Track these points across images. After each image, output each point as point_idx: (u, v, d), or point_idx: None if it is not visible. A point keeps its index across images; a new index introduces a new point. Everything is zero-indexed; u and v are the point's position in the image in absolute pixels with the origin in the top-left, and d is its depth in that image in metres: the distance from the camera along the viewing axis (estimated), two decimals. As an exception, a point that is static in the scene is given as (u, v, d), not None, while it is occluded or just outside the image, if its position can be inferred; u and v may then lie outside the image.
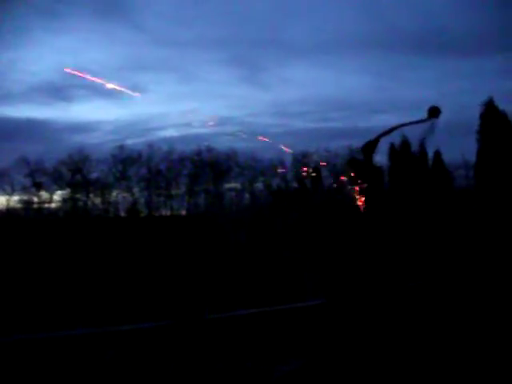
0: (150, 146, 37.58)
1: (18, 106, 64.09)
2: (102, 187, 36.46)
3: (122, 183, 36.68)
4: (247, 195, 38.19)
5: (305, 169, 35.84)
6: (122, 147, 35.92)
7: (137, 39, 68.21)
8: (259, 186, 39.40)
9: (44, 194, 36.19)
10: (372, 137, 9.84)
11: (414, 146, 32.67)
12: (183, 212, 37.67)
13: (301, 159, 38.12)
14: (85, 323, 14.19)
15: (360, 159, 10.27)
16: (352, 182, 10.18)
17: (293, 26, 66.43)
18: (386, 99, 63.50)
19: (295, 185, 37.33)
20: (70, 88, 59.34)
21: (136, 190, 37.01)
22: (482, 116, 31.77)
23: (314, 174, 31.60)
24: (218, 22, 66.47)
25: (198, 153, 38.28)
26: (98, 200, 37.13)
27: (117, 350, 7.05)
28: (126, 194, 36.95)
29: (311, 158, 38.00)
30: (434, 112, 9.48)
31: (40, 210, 36.07)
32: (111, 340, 7.35)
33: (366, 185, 10.01)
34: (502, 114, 31.04)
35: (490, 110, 31.54)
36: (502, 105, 31.82)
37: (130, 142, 46.60)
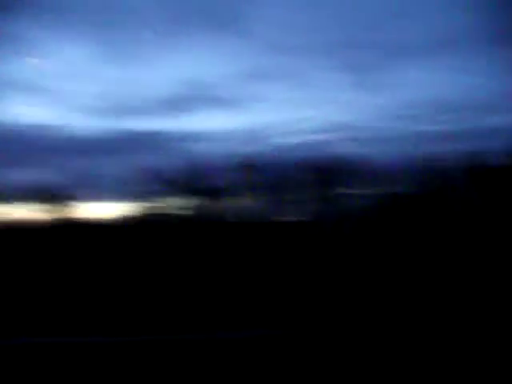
0: (269, 153, 37.73)
1: (140, 119, 68.11)
2: (224, 195, 37.04)
3: (243, 190, 37.04)
4: (370, 200, 37.16)
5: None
6: (241, 155, 36.33)
7: (250, 48, 69.70)
8: (377, 191, 38.17)
9: (167, 201, 37.55)
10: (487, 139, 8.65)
11: None
12: (305, 218, 37.39)
13: (424, 163, 36.33)
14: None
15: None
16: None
17: (403, 27, 64.51)
18: (498, 99, 59.56)
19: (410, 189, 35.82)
20: (188, 100, 62.23)
21: (257, 196, 37.23)
22: None
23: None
24: (328, 26, 65.83)
25: (315, 159, 37.85)
26: (219, 207, 37.81)
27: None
28: (247, 201, 37.28)
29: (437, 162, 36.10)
30: None
31: (163, 217, 37.40)
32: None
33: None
34: None
35: None
36: None
37: (249, 149, 47.52)
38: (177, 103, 66.20)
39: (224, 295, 22.54)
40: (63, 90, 66.50)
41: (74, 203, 38.82)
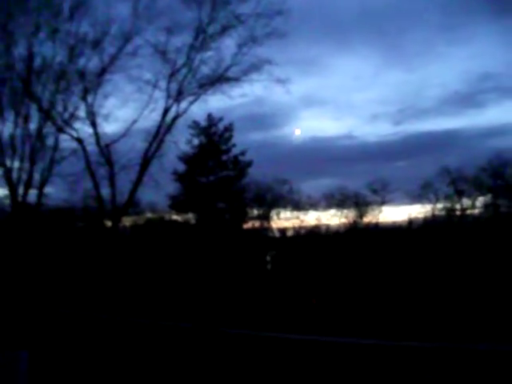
0: None
1: (432, 120, 67.71)
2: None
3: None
4: None
5: None
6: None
7: None
8: None
9: (466, 201, 36.77)
10: None
11: None
12: None
13: None
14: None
15: None
16: None
17: None
18: None
19: None
20: (478, 94, 59.93)
21: None
22: None
23: None
24: None
25: None
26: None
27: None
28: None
29: None
30: None
31: (462, 216, 36.70)
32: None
33: None
34: None
35: None
36: None
37: None
38: (468, 99, 64.00)
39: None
40: (348, 100, 70.38)
41: (369, 208, 40.50)
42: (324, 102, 73.02)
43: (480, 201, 37.07)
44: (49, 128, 24.11)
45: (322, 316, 22.58)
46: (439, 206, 37.87)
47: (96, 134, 23.92)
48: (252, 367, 7.99)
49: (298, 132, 63.18)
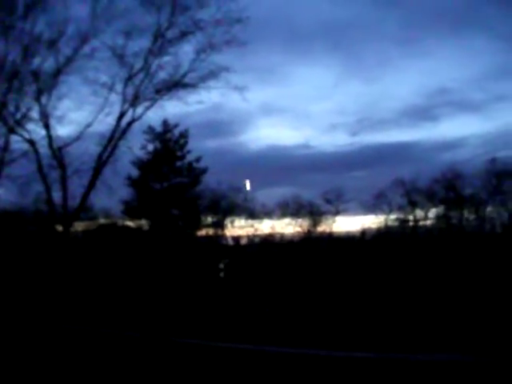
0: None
1: (388, 131, 69.38)
2: (476, 203, 35.95)
3: (496, 198, 35.55)
4: None
5: None
6: (494, 160, 34.93)
7: (495, 47, 65.79)
8: None
9: (419, 212, 37.69)
10: None
11: None
12: None
13: None
14: None
15: None
16: None
17: None
18: None
19: None
20: (434, 108, 61.90)
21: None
22: None
23: None
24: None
25: None
26: (472, 216, 36.79)
27: None
28: (501, 209, 35.69)
29: None
30: None
31: (415, 227, 37.61)
32: None
33: None
34: None
35: None
36: None
37: (502, 154, 45.07)
38: (422, 112, 65.64)
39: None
40: (306, 110, 71.15)
41: (323, 218, 40.98)
42: (282, 111, 73.95)
43: (432, 212, 38.08)
44: (-1, 128, 23.32)
45: (275, 324, 22.60)
46: (392, 216, 38.62)
47: (49, 136, 23.31)
48: (200, 378, 7.87)
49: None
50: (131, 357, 9.59)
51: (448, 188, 36.42)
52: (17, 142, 23.38)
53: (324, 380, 7.62)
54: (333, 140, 77.01)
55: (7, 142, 23.17)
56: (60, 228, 25.15)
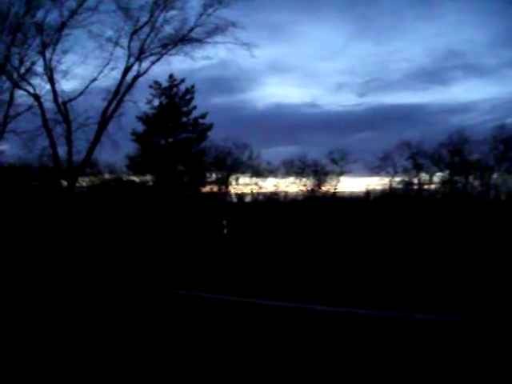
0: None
1: (396, 93, 68.24)
2: (482, 169, 35.66)
3: (503, 165, 35.25)
4: None
5: None
6: (502, 127, 34.47)
7: (509, 11, 63.58)
8: None
9: (424, 176, 37.49)
10: None
11: None
12: None
13: None
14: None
15: None
16: None
17: None
18: None
19: None
20: (444, 71, 60.61)
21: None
22: None
23: None
24: None
25: None
26: (477, 182, 36.62)
27: None
28: (507, 176, 35.42)
29: None
30: None
31: (419, 191, 37.52)
32: None
33: None
34: None
35: None
36: None
37: (510, 121, 44.44)
38: (432, 75, 64.28)
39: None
40: (314, 69, 69.97)
41: (327, 177, 40.89)
42: (290, 69, 72.83)
43: (437, 176, 37.82)
44: (3, 82, 23.10)
45: (275, 279, 22.89)
46: (397, 179, 38.45)
47: (54, 90, 23.13)
48: (200, 329, 8.03)
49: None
50: (128, 307, 9.76)
51: (454, 152, 36.06)
52: (21, 97, 23.20)
53: (324, 335, 7.75)
54: (340, 100, 76.02)
55: (12, 97, 23.05)
56: (65, 183, 25.23)
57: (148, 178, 36.56)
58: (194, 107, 35.92)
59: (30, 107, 22.86)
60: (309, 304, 10.80)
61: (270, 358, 6.50)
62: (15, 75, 22.68)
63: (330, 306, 10.56)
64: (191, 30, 22.93)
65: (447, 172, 37.03)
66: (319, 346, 7.21)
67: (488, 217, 29.48)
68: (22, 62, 22.67)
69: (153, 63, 23.59)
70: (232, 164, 39.51)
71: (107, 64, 22.79)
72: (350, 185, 43.04)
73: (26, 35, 22.39)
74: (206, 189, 38.95)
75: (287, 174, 40.95)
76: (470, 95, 72.56)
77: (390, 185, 38.37)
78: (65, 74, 22.84)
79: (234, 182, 40.71)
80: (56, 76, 22.90)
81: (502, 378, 5.62)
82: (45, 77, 22.86)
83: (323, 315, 9.01)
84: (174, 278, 18.23)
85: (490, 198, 36.13)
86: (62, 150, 23.82)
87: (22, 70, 22.74)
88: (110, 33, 22.56)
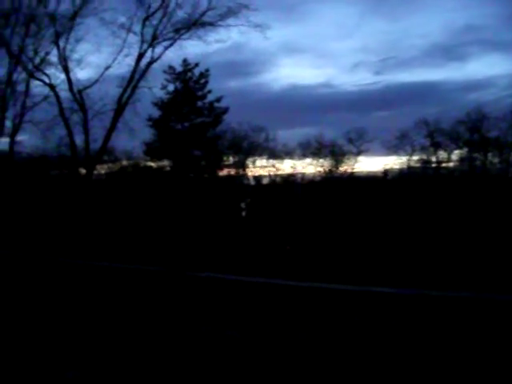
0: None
1: (412, 70, 67.09)
2: (501, 146, 35.16)
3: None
4: None
5: None
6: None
7: None
8: None
9: (442, 154, 37.08)
10: None
11: None
12: None
13: None
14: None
15: None
16: None
17: None
18: None
19: None
20: (461, 46, 59.34)
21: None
22: None
23: None
24: None
25: None
26: (496, 160, 36.15)
27: None
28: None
29: None
30: None
31: (438, 169, 37.17)
32: None
33: None
34: None
35: None
36: None
37: None
38: (450, 51, 62.86)
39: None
40: (328, 48, 69.15)
41: (345, 157, 40.70)
42: (304, 50, 72.08)
43: (456, 154, 37.38)
44: (19, 73, 23.37)
45: (296, 261, 23.05)
46: (415, 157, 38.10)
47: (69, 79, 23.34)
48: (222, 309, 8.22)
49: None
50: (146, 290, 9.99)
51: (472, 130, 35.55)
52: (37, 87, 23.47)
53: (340, 313, 7.86)
54: (355, 79, 75.08)
55: (28, 88, 23.31)
56: (83, 171, 25.54)
57: (165, 163, 36.77)
58: (209, 91, 35.90)
59: (46, 97, 23.12)
60: (324, 283, 10.90)
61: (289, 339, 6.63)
62: (30, 66, 22.94)
63: (343, 285, 10.64)
64: (203, 13, 22.93)
65: (465, 150, 36.60)
66: (326, 324, 7.32)
67: (508, 194, 29.17)
68: (36, 53, 22.92)
69: (166, 48, 23.68)
70: (248, 147, 39.51)
71: (120, 51, 22.93)
72: (368, 164, 42.72)
73: (39, 26, 22.57)
74: (224, 172, 39.06)
75: (304, 155, 40.84)
76: (488, 71, 71.14)
77: (408, 164, 38.06)
78: (79, 62, 23.06)
79: (251, 165, 40.72)
80: (70, 65, 23.14)
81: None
82: (59, 66, 23.10)
83: (339, 294, 9.12)
84: (195, 261, 18.45)
85: (510, 175, 35.64)
86: (79, 139, 24.12)
87: (37, 61, 23.00)
88: (122, 20, 22.67)
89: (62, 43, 22.87)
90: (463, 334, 6.50)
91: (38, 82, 23.27)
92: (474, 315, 7.17)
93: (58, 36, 22.66)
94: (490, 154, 36.24)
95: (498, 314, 7.17)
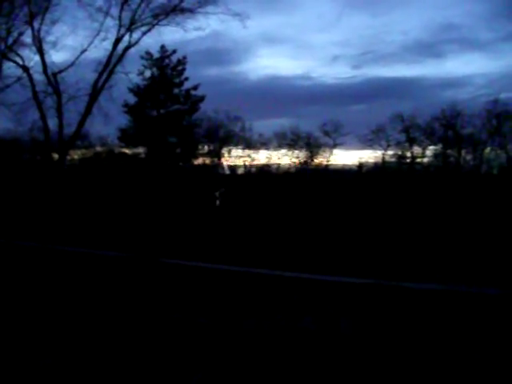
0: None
1: (391, 66, 67.37)
2: (475, 143, 35.71)
3: (495, 139, 35.30)
4: None
5: None
6: (495, 102, 34.39)
7: None
8: None
9: (417, 149, 37.50)
10: None
11: None
12: None
13: None
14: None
15: None
16: None
17: None
18: None
19: None
20: (440, 44, 59.78)
21: (511, 146, 35.18)
22: None
23: None
24: None
25: None
26: (469, 156, 36.72)
27: None
28: (499, 151, 35.53)
29: None
30: None
31: (412, 164, 37.58)
32: None
33: None
34: None
35: None
36: None
37: (504, 96, 44.23)
38: (427, 48, 63.38)
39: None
40: (308, 40, 68.97)
41: (320, 149, 40.83)
42: (283, 41, 71.82)
43: (430, 150, 37.85)
44: (-9, 54, 22.64)
45: (266, 250, 22.93)
46: (390, 152, 38.44)
47: (43, 61, 22.74)
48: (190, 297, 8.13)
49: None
50: (117, 276, 9.81)
51: (447, 126, 36.02)
52: (10, 69, 22.79)
53: (319, 304, 7.86)
54: (334, 72, 74.87)
55: (0, 68, 22.59)
56: (56, 156, 25.01)
57: (140, 150, 36.35)
58: (186, 78, 35.52)
59: (19, 79, 22.50)
60: (297, 272, 10.89)
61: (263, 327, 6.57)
62: (2, 46, 22.24)
63: (311, 274, 10.66)
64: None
65: (440, 146, 37.06)
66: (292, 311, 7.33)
67: (479, 191, 29.59)
68: (9, 33, 22.20)
69: (144, 34, 23.25)
70: (224, 136, 39.32)
71: (97, 35, 22.43)
72: (343, 157, 42.96)
73: (12, 4, 21.87)
74: (199, 161, 38.82)
75: (280, 146, 40.85)
76: (466, 69, 71.81)
77: (383, 158, 38.38)
78: (54, 44, 22.48)
79: (226, 154, 40.55)
80: (45, 47, 22.53)
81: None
82: (33, 48, 22.44)
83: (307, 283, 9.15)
84: (167, 248, 18.23)
85: (482, 172, 36.24)
86: (52, 123, 23.55)
87: (10, 41, 22.29)
88: (100, 2, 22.12)
89: (36, 24, 22.26)
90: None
91: (11, 63, 22.59)
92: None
93: (32, 16, 22.03)
94: (463, 151, 36.78)
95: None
